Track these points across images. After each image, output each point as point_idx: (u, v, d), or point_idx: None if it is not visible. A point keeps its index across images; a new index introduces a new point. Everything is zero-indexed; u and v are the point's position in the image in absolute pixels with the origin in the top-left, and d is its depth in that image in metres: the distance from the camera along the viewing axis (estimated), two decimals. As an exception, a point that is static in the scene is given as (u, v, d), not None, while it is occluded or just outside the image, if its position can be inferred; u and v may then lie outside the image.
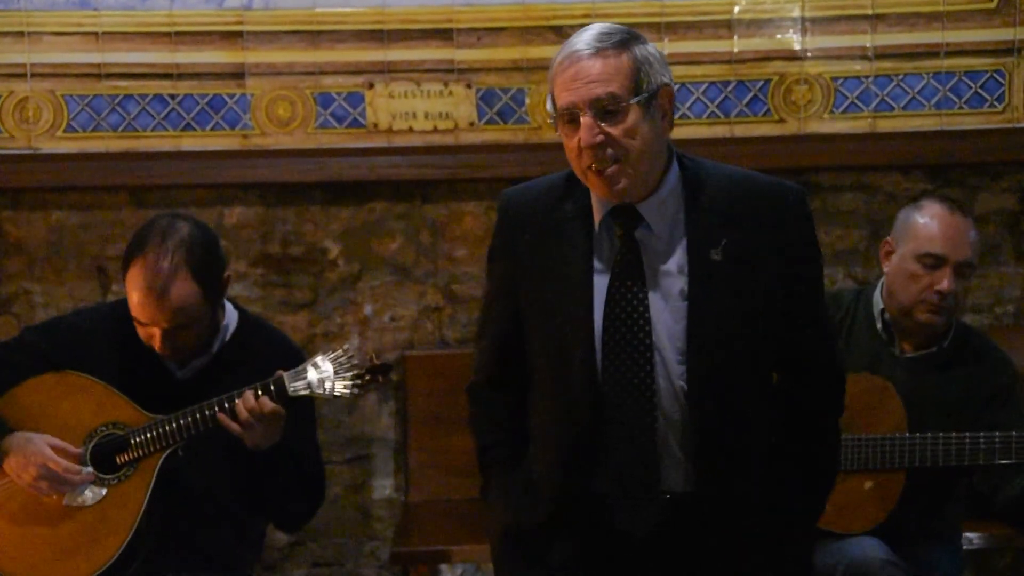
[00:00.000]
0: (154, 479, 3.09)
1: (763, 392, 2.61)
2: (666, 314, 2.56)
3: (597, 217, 2.60)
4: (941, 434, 3.21)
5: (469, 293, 4.16)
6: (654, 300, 2.56)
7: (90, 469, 3.09)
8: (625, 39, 2.54)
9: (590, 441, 2.58)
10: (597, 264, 2.59)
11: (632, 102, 2.50)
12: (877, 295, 3.41)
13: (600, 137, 2.50)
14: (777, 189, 2.62)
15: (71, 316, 3.41)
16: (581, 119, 2.50)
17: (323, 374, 3.05)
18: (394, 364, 4.13)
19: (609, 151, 2.51)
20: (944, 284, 3.28)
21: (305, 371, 3.05)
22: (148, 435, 3.08)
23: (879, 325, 3.39)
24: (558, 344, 2.60)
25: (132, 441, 3.09)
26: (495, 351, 2.73)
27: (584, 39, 2.53)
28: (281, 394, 3.03)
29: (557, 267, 2.61)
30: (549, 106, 2.58)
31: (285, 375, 3.05)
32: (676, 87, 3.98)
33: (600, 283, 2.58)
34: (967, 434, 3.20)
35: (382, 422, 4.17)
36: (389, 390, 4.16)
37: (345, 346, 3.12)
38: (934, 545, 3.32)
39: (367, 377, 3.07)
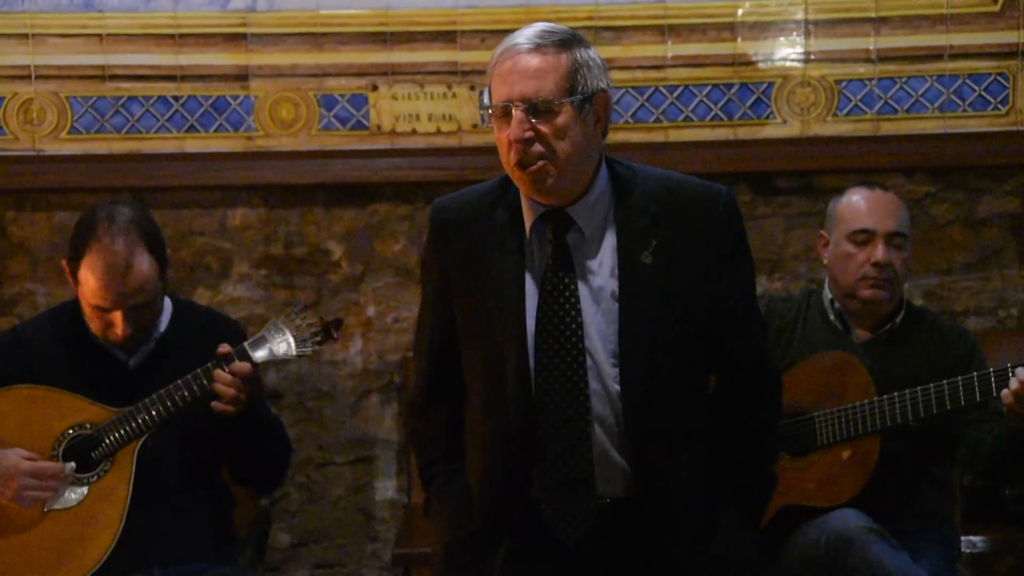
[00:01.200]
0: (134, 469, 3.10)
1: (698, 394, 2.61)
2: (598, 316, 2.56)
3: (528, 222, 2.59)
4: (908, 390, 3.24)
5: (472, 295, 4.15)
6: (586, 303, 2.56)
7: (72, 464, 3.10)
8: (566, 40, 2.53)
9: (524, 446, 2.57)
10: (529, 269, 2.58)
11: (565, 102, 2.49)
12: (826, 288, 3.49)
13: (529, 133, 2.49)
14: (706, 191, 2.61)
15: (7, 332, 3.41)
16: (512, 113, 2.50)
17: (282, 337, 3.13)
18: (397, 366, 4.14)
19: (537, 147, 2.50)
20: (878, 254, 3.35)
21: (264, 337, 3.12)
22: (120, 428, 3.10)
23: (832, 316, 3.45)
24: (492, 351, 2.59)
25: (105, 437, 3.10)
26: (432, 364, 2.72)
27: (526, 35, 2.52)
28: (246, 362, 3.10)
29: (489, 274, 2.60)
30: (485, 99, 2.57)
31: (246, 344, 3.12)
32: (679, 90, 4.06)
33: (532, 288, 2.57)
34: (932, 384, 3.22)
35: (385, 424, 4.17)
36: (392, 391, 4.16)
37: (296, 307, 3.20)
38: (921, 529, 3.33)
39: (321, 335, 3.15)
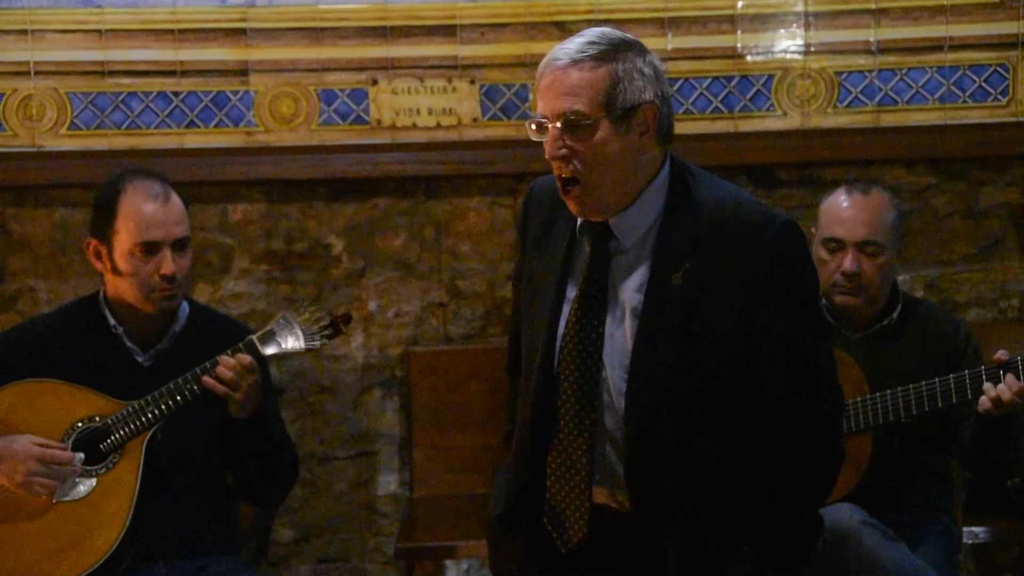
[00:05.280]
0: (142, 461, 3.11)
1: (716, 425, 2.51)
2: (620, 331, 2.53)
3: (579, 222, 2.58)
4: (900, 388, 3.24)
5: (473, 289, 4.16)
6: (612, 315, 2.53)
7: (81, 455, 3.10)
8: (609, 51, 2.46)
9: (540, 445, 2.58)
10: (575, 270, 2.57)
11: (601, 118, 2.45)
12: None
13: (563, 151, 2.47)
14: (757, 220, 2.50)
15: (23, 325, 3.43)
16: (548, 129, 2.48)
17: (290, 331, 3.14)
18: (398, 360, 4.14)
19: (575, 165, 2.47)
20: (846, 265, 3.35)
21: (272, 330, 3.14)
22: (129, 420, 3.11)
23: (824, 313, 3.44)
24: (531, 343, 2.61)
25: (114, 429, 3.12)
26: (513, 335, 2.76)
27: (567, 48, 2.48)
28: (253, 354, 3.12)
29: (543, 265, 2.61)
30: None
31: (254, 336, 3.13)
32: (679, 83, 4.06)
33: (572, 291, 2.57)
34: (923, 383, 3.22)
35: (387, 418, 4.17)
36: (394, 386, 4.16)
37: (304, 301, 3.22)
38: (920, 521, 3.34)
39: (330, 330, 3.16)
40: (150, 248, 3.15)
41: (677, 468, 2.50)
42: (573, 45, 2.48)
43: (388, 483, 4.18)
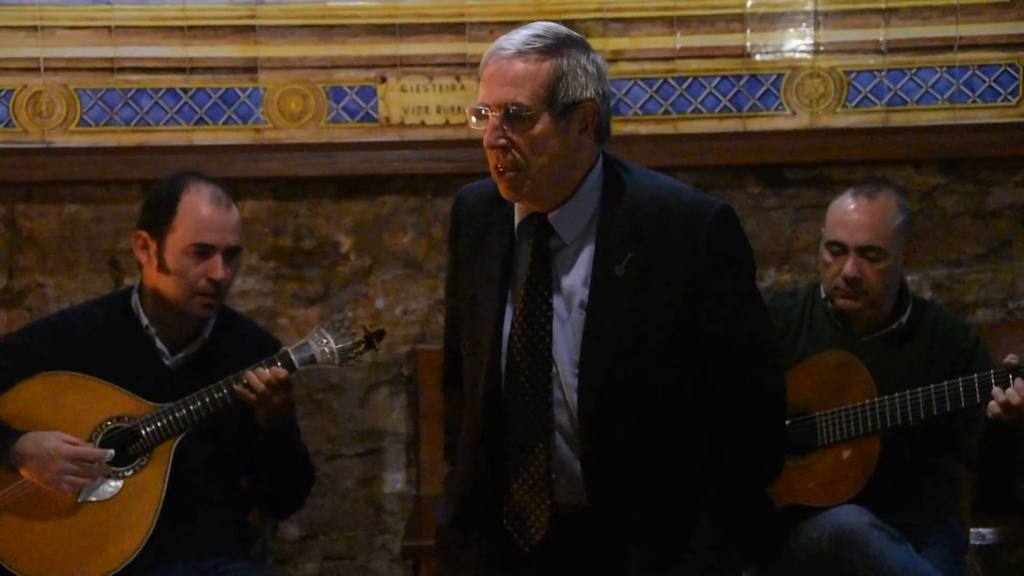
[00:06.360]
0: (170, 466, 3.11)
1: (669, 413, 2.52)
2: (567, 326, 2.53)
3: (517, 222, 2.58)
4: (908, 391, 3.24)
5: (481, 287, 4.16)
6: (558, 311, 2.53)
7: (111, 452, 3.10)
8: (554, 45, 2.47)
9: (492, 448, 2.57)
10: (515, 270, 2.57)
11: (542, 111, 2.46)
12: (822, 286, 3.47)
13: (502, 140, 2.47)
14: (695, 205, 2.51)
15: (56, 316, 3.43)
16: (489, 117, 2.48)
17: (325, 345, 3.13)
18: (406, 358, 4.15)
19: (512, 155, 2.48)
20: (846, 270, 3.33)
21: (307, 344, 3.13)
22: (158, 424, 3.10)
23: (832, 315, 3.43)
24: (475, 348, 2.60)
25: (143, 431, 3.11)
26: (449, 347, 2.75)
27: (514, 39, 2.49)
28: (288, 367, 3.10)
29: (482, 269, 2.60)
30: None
31: (289, 348, 3.12)
32: (688, 81, 4.05)
33: (515, 292, 2.56)
34: (932, 386, 3.22)
35: (394, 416, 4.17)
36: (401, 384, 4.16)
37: (339, 316, 3.20)
38: (926, 523, 3.34)
39: (363, 345, 3.15)
40: (203, 251, 3.14)
41: (633, 460, 2.51)
42: (519, 36, 2.49)
43: (395, 481, 4.18)
